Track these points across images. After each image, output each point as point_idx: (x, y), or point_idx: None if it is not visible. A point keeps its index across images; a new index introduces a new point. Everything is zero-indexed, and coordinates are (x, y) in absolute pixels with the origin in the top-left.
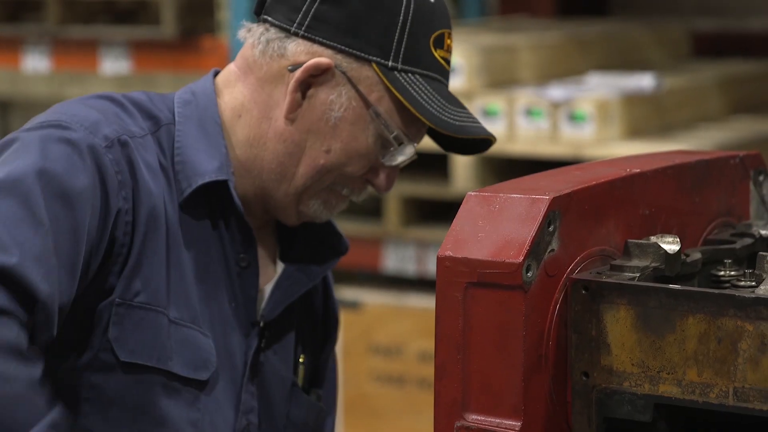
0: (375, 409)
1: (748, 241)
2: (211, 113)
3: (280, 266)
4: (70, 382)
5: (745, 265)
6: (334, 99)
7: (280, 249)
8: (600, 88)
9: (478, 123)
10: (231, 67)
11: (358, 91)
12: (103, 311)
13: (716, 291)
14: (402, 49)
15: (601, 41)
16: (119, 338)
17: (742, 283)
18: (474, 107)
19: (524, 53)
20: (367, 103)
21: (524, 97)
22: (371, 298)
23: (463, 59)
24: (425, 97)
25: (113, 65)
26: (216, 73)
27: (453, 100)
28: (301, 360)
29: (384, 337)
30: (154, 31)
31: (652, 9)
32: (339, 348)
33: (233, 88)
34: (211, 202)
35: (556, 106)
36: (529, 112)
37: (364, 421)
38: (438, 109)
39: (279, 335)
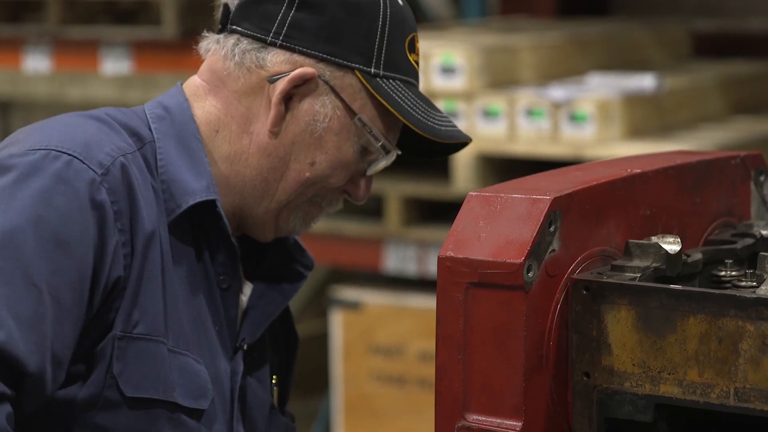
0: (375, 409)
1: (749, 241)
2: (191, 129)
3: (248, 285)
4: (72, 425)
5: (746, 265)
6: (318, 109)
7: (243, 267)
8: (601, 88)
9: (456, 126)
10: (196, 81)
11: (342, 100)
12: (105, 347)
13: (717, 291)
14: (383, 56)
15: (601, 41)
16: (123, 373)
17: (743, 284)
18: (475, 108)
19: (525, 53)
20: (351, 112)
21: (525, 97)
22: (372, 298)
23: (464, 60)
24: (409, 103)
25: (114, 65)
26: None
27: (431, 104)
28: (274, 381)
29: (384, 337)
30: (154, 32)
31: (652, 9)
32: (339, 348)
33: (203, 102)
34: (193, 222)
35: (556, 106)
36: (530, 113)
37: (364, 422)
38: (423, 114)
39: (257, 358)
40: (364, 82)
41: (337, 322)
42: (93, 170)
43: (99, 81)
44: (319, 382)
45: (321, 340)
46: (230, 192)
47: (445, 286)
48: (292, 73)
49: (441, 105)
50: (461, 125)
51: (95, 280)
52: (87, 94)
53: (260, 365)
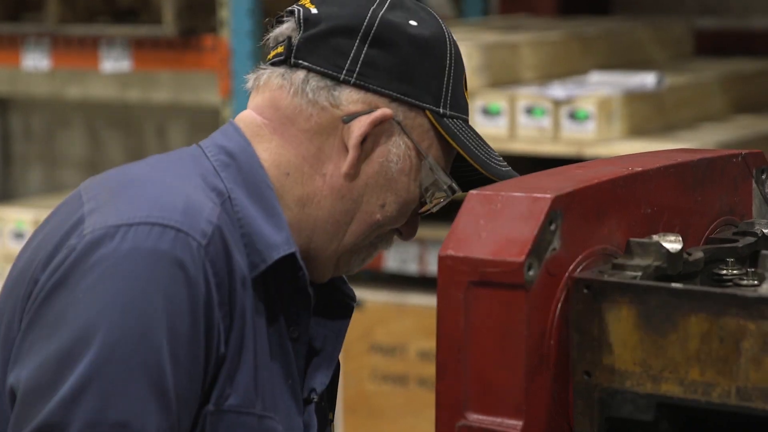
0: (376, 408)
1: (750, 239)
2: (261, 177)
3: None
4: None
5: (748, 264)
6: (392, 150)
7: None
8: (602, 86)
9: (506, 163)
10: (256, 119)
11: (413, 140)
12: (196, 421)
13: (719, 290)
14: (449, 95)
15: (603, 40)
16: None
17: (745, 282)
18: (475, 106)
19: (526, 52)
20: (421, 153)
21: (526, 95)
22: (372, 296)
23: (465, 58)
24: (473, 143)
25: (113, 64)
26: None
27: (486, 142)
28: (331, 417)
29: (385, 336)
30: (154, 30)
31: (654, 7)
32: None
33: (269, 143)
34: (269, 274)
35: (557, 104)
36: (531, 111)
37: (364, 421)
38: (486, 155)
39: (324, 407)
40: (435, 122)
41: None
42: (198, 241)
43: (98, 79)
44: None
45: None
46: (300, 235)
47: (446, 284)
48: (374, 115)
49: None
50: None
51: (207, 364)
52: (86, 92)
53: (324, 412)
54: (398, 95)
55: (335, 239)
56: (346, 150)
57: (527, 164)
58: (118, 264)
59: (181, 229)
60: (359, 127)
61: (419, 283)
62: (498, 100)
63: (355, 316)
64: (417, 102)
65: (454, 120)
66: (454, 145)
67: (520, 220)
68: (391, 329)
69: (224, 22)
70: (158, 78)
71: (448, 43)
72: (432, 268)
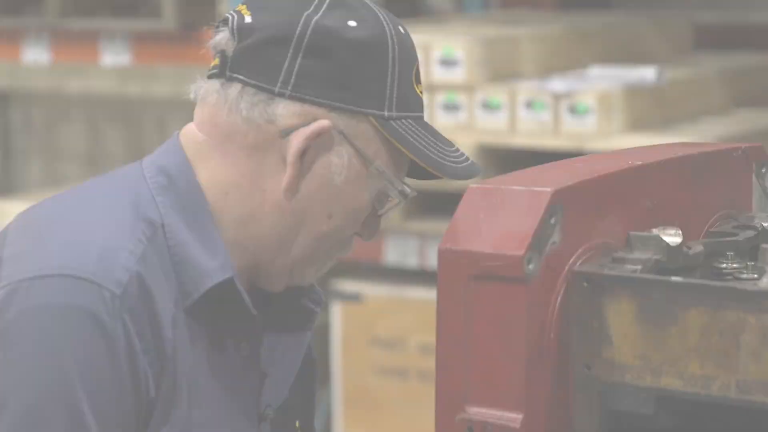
0: (376, 401)
1: (750, 233)
2: (198, 199)
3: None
4: None
5: (748, 257)
6: (334, 160)
7: None
8: (602, 80)
9: (466, 156)
10: (197, 136)
11: (356, 148)
12: None
13: (718, 283)
14: (395, 96)
15: (603, 33)
16: None
17: (745, 276)
18: (475, 100)
19: (526, 45)
20: (367, 160)
21: (526, 89)
22: (372, 290)
23: (465, 52)
24: (424, 143)
25: (114, 57)
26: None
27: (441, 138)
28: (297, 426)
29: (385, 329)
30: (154, 24)
31: (654, 1)
32: (340, 340)
33: (208, 161)
34: (209, 297)
35: (557, 98)
36: (531, 105)
37: (364, 414)
38: (438, 154)
39: (281, 421)
40: (379, 127)
41: (338, 315)
42: (112, 292)
43: (99, 73)
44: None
45: (321, 333)
46: (244, 254)
47: (446, 278)
48: (310, 129)
49: (441, 97)
50: (461, 117)
51: (137, 411)
52: (87, 85)
53: (284, 424)
54: (337, 104)
55: (281, 254)
56: (286, 165)
57: (527, 158)
58: (31, 322)
59: (95, 281)
60: (297, 142)
61: (419, 276)
62: (498, 94)
63: (355, 309)
64: (357, 108)
65: (402, 121)
66: (402, 148)
67: (520, 213)
68: (391, 323)
69: (224, 16)
70: (158, 72)
71: (390, 41)
72: (432, 261)
